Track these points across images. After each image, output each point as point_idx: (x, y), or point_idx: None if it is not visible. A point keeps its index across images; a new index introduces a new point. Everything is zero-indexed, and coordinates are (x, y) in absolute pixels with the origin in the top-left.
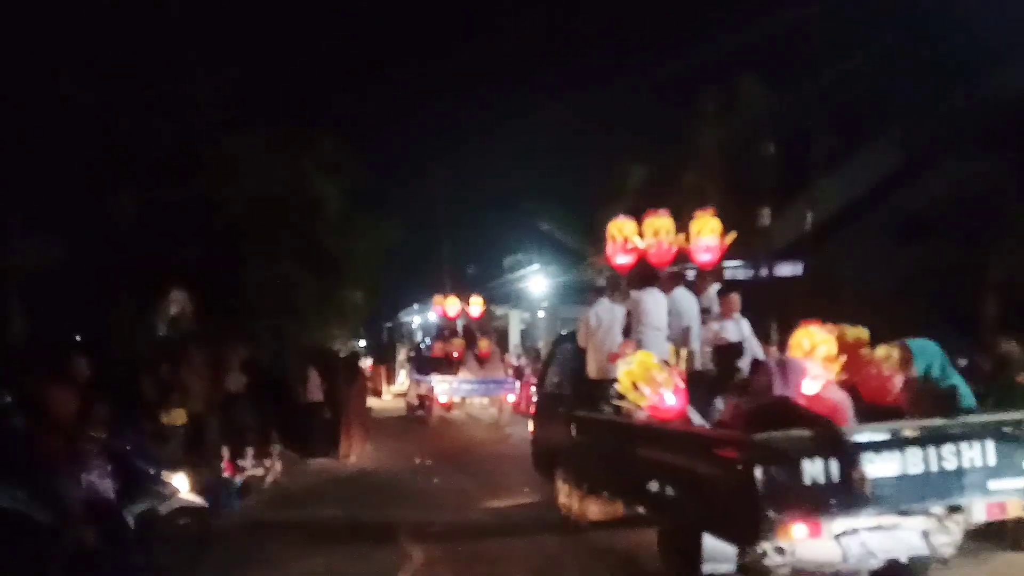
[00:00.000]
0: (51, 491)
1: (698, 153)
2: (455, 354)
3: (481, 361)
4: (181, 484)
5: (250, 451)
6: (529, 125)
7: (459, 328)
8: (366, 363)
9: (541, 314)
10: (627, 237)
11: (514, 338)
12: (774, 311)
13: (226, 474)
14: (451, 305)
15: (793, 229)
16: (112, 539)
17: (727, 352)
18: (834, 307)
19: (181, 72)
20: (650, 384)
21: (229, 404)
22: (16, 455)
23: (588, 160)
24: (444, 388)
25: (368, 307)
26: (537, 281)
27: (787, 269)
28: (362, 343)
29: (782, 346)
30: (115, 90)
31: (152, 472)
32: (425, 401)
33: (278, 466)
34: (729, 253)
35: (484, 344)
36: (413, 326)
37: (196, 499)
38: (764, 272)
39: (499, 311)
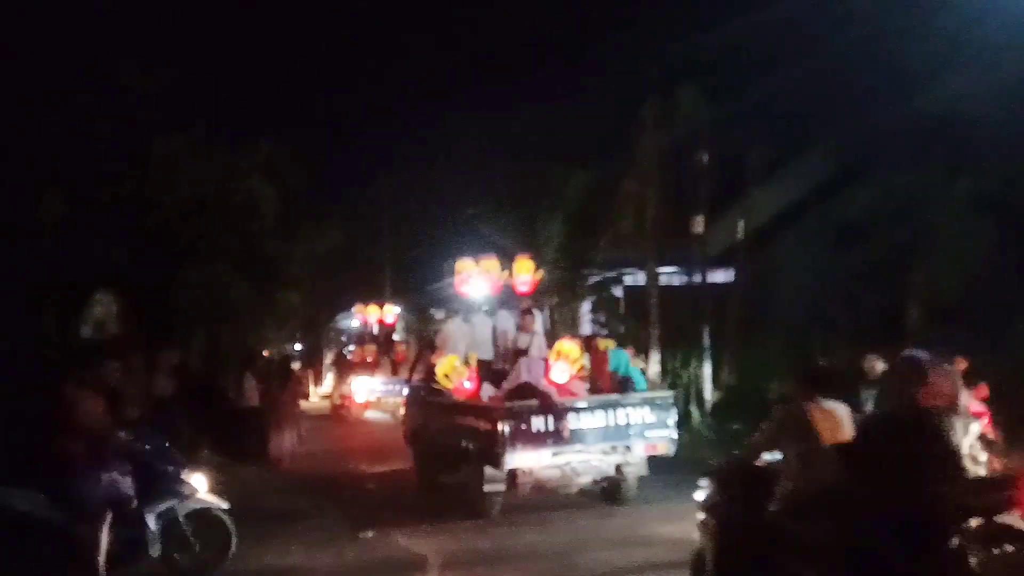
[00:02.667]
0: (72, 494)
1: (637, 161)
2: (369, 358)
3: (397, 364)
4: (200, 484)
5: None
6: (473, 131)
7: (400, 333)
8: (296, 366)
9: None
10: (467, 271)
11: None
12: (707, 316)
13: None
14: (371, 313)
15: (727, 236)
16: (132, 539)
17: (514, 354)
18: (765, 312)
19: (115, 69)
20: (454, 375)
21: (157, 409)
22: (35, 458)
23: (530, 166)
24: (361, 389)
25: (305, 311)
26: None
27: (720, 275)
28: (298, 346)
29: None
30: (42, 87)
31: (172, 471)
32: (346, 401)
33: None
34: (664, 259)
35: (400, 348)
36: (351, 329)
37: (216, 499)
38: (698, 278)
39: (439, 314)
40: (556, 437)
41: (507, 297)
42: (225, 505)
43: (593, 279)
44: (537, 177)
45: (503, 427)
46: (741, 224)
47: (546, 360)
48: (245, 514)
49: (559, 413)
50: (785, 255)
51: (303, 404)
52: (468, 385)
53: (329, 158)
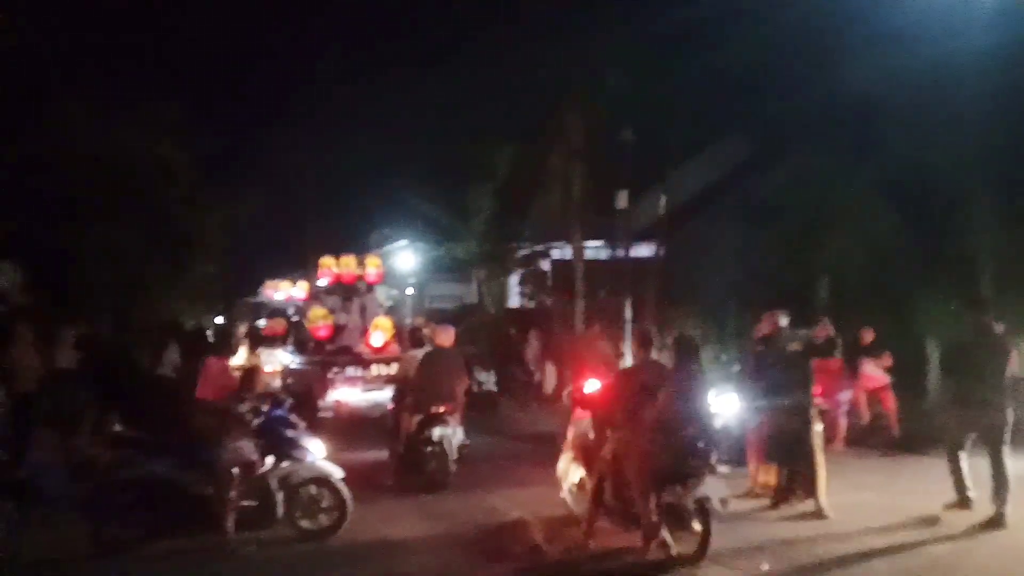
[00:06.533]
0: (204, 460)
1: (565, 137)
2: (280, 330)
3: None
4: (318, 450)
5: (86, 431)
6: (404, 102)
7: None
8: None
9: (410, 291)
10: (328, 266)
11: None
12: (629, 289)
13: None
14: (282, 288)
15: (650, 212)
16: (258, 501)
17: (340, 329)
18: (684, 286)
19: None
20: (319, 323)
21: (60, 381)
22: (169, 426)
23: (460, 138)
24: (268, 359)
25: (222, 282)
26: (405, 257)
27: (643, 250)
28: (219, 319)
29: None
30: None
31: (293, 437)
32: None
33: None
34: (589, 234)
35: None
36: (272, 302)
37: (333, 466)
38: (621, 253)
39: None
40: (363, 380)
41: (362, 286)
42: (341, 473)
43: (522, 252)
44: (467, 149)
45: (328, 374)
46: (663, 200)
47: (367, 329)
48: None
49: (366, 365)
50: (704, 231)
51: None
52: (323, 332)
53: (250, 126)
